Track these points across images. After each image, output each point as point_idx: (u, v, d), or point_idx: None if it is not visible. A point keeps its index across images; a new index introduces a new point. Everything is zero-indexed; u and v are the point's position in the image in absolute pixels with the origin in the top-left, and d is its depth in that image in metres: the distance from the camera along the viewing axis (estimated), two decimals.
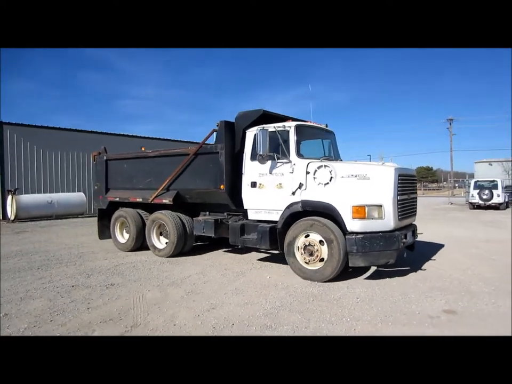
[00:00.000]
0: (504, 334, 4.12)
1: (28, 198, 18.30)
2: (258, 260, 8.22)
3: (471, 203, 24.12)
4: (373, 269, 6.99)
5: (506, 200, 23.89)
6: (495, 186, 23.20)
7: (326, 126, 8.16)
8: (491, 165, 44.08)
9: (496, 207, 22.77)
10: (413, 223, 7.33)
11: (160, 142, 25.40)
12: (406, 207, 6.67)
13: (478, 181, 25.42)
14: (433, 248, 9.09)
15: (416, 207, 7.41)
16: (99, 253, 9.20)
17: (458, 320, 4.56)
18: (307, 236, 6.38)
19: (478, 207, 23.39)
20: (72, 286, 6.16)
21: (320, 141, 7.99)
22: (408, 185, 6.80)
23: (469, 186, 25.78)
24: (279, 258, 8.20)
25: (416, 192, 7.45)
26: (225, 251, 9.14)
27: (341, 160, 7.83)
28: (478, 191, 23.51)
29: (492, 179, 24.85)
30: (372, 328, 4.35)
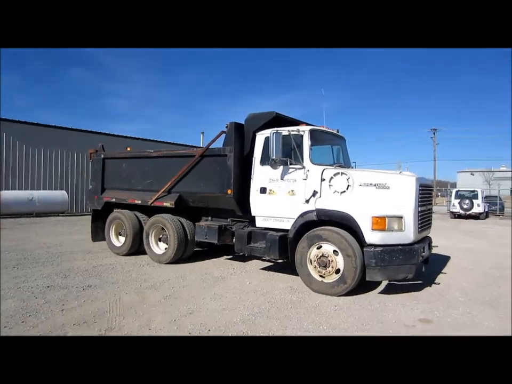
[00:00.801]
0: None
1: (8, 194, 17.92)
2: (240, 264, 8.18)
3: (452, 212, 24.52)
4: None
5: (486, 210, 24.40)
6: (475, 196, 23.65)
7: (338, 131, 7.87)
8: (473, 174, 45.07)
9: (476, 216, 23.19)
10: (428, 235, 7.02)
11: (146, 142, 25.20)
12: (424, 218, 6.42)
13: (459, 190, 25.84)
14: None
15: (431, 219, 7.13)
16: (78, 253, 9.04)
17: (433, 330, 4.60)
18: (319, 248, 6.02)
19: (459, 216, 23.78)
20: (48, 287, 6.03)
21: (329, 147, 7.67)
22: (426, 196, 6.55)
23: (451, 196, 26.25)
24: (261, 264, 8.20)
25: (431, 203, 7.17)
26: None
27: (352, 167, 7.50)
28: (459, 200, 23.93)
29: (472, 189, 25.33)
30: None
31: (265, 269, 7.79)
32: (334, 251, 5.87)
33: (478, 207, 23.23)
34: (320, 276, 5.99)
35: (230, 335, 4.31)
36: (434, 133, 43.07)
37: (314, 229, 6.11)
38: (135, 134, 30.91)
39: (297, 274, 7.24)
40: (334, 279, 5.86)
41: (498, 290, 6.42)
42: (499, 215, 26.88)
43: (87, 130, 23.34)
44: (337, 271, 5.84)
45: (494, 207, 27.57)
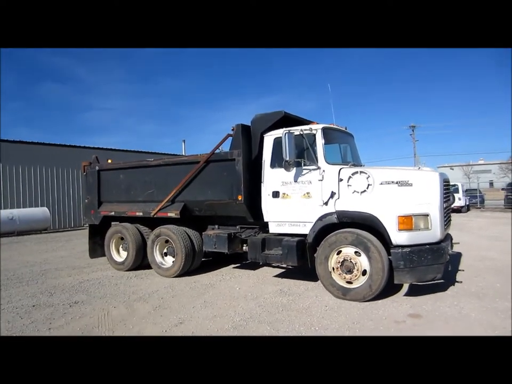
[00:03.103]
0: (473, 334, 4.23)
1: None
2: (229, 270, 8.15)
3: None
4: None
5: (467, 203, 24.91)
6: (456, 190, 24.09)
7: (346, 129, 7.53)
8: (452, 169, 45.98)
9: (458, 210, 23.65)
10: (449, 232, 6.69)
11: (129, 154, 24.97)
12: (447, 215, 6.23)
13: None
14: None
15: (451, 215, 6.94)
16: (63, 269, 8.86)
17: (423, 324, 4.67)
18: (339, 253, 5.79)
19: None
20: (33, 306, 5.89)
21: (340, 145, 7.32)
22: (447, 192, 6.34)
23: None
24: (250, 268, 8.18)
25: (450, 199, 7.00)
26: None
27: (363, 165, 7.12)
28: None
29: (453, 183, 25.83)
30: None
31: (253, 273, 7.78)
32: (356, 252, 5.66)
33: (459, 200, 23.73)
34: (347, 282, 5.72)
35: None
36: (413, 130, 43.83)
37: (332, 234, 5.88)
38: (115, 146, 30.48)
39: (285, 277, 7.31)
40: (362, 282, 5.59)
41: (483, 282, 6.54)
42: (480, 208, 27.49)
43: (66, 145, 22.96)
44: (364, 272, 5.60)
45: (475, 200, 28.19)
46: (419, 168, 6.37)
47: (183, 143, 29.19)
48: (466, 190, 27.49)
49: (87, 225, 9.87)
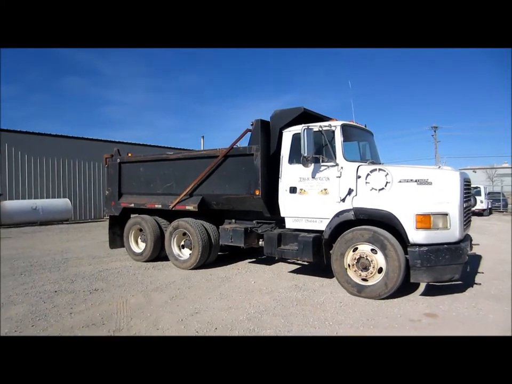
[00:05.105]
0: (491, 334, 4.18)
1: (12, 204, 18.04)
2: (245, 265, 8.22)
3: None
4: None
5: (489, 206, 24.39)
6: (478, 193, 23.62)
7: (365, 126, 7.49)
8: (475, 172, 44.80)
9: (480, 213, 23.17)
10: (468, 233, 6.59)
11: (148, 148, 25.38)
12: (467, 215, 6.16)
13: None
14: None
15: (471, 216, 6.86)
16: (83, 258, 9.10)
17: (439, 324, 4.63)
18: (355, 250, 5.78)
19: None
20: (55, 292, 6.09)
21: (356, 143, 7.25)
22: (467, 191, 6.24)
23: None
24: (266, 263, 8.24)
25: (471, 199, 6.92)
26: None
27: (382, 164, 6.95)
28: None
29: (475, 186, 25.33)
30: (354, 331, 4.40)
31: (269, 268, 7.83)
32: (372, 249, 5.64)
33: (481, 203, 23.26)
34: (363, 279, 5.71)
35: (237, 332, 4.36)
36: (435, 131, 42.99)
37: (348, 230, 5.87)
38: (134, 140, 30.95)
39: (301, 273, 7.34)
40: (379, 279, 5.58)
41: (503, 285, 6.42)
42: (502, 212, 26.86)
43: (87, 138, 23.51)
44: (380, 270, 5.58)
45: (497, 203, 27.57)
46: (439, 167, 6.30)
47: (201, 138, 29.35)
48: (489, 193, 26.91)
49: (107, 217, 10.10)
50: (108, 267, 8.06)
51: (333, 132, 6.31)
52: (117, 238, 9.39)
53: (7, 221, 17.51)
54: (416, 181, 5.65)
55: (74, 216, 21.46)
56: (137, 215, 9.04)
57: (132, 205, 8.91)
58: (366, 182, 5.93)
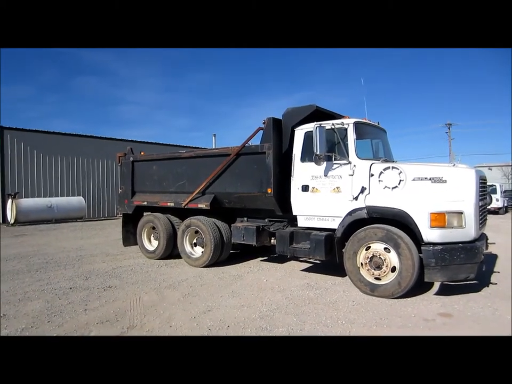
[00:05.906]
0: (507, 335, 4.13)
1: (27, 202, 18.37)
2: (257, 263, 8.23)
3: None
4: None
5: (505, 204, 23.95)
6: (494, 191, 23.20)
7: (378, 124, 7.46)
8: (491, 169, 43.92)
9: (495, 211, 22.77)
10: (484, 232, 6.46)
11: (160, 147, 25.57)
12: (483, 214, 6.05)
13: None
14: None
15: (487, 214, 6.71)
16: (97, 256, 9.23)
17: (453, 323, 4.57)
18: (368, 248, 5.73)
19: None
20: (70, 288, 6.19)
21: (369, 141, 7.18)
22: (483, 190, 6.14)
23: None
24: (278, 261, 8.23)
25: (486, 197, 6.78)
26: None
27: (395, 162, 6.90)
28: None
29: (490, 184, 24.88)
30: (367, 330, 4.37)
31: (281, 266, 7.82)
32: (385, 248, 5.58)
33: (497, 201, 22.85)
34: (376, 278, 5.65)
35: (249, 330, 4.36)
36: (449, 128, 42.34)
37: (361, 229, 5.81)
38: (147, 139, 31.20)
39: (313, 271, 7.32)
40: (392, 278, 5.51)
41: None
42: None
43: (100, 137, 23.82)
44: (393, 269, 5.51)
45: None
46: (454, 164, 6.17)
47: (213, 137, 29.46)
48: (505, 191, 26.40)
49: (120, 215, 10.18)
50: (121, 264, 8.15)
51: (346, 129, 6.26)
52: (130, 236, 9.46)
53: (23, 219, 17.85)
54: (430, 179, 5.58)
55: (88, 214, 21.77)
56: (150, 213, 9.10)
57: (145, 203, 8.96)
58: (379, 180, 5.87)
